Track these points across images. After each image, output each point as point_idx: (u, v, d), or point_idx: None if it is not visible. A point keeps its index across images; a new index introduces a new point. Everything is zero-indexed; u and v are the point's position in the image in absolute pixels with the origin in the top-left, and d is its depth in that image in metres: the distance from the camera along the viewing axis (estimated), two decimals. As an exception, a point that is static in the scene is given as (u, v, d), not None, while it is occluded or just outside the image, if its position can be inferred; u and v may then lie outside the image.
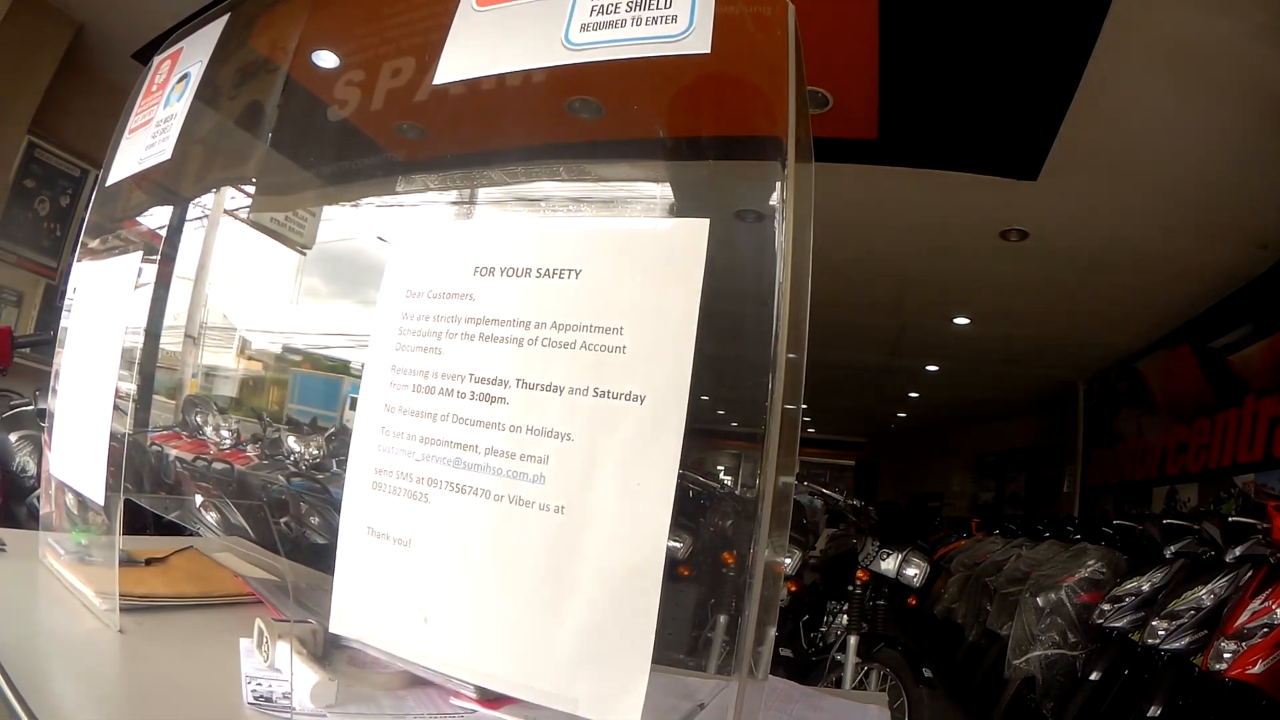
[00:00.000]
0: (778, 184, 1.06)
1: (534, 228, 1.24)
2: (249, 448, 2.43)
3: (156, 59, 2.22)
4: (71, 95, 6.39)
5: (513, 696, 1.17)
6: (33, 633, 1.51)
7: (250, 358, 2.39)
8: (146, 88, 2.18)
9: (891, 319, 10.17)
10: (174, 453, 2.30)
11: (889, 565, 5.21)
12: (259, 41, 2.16)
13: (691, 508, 4.89)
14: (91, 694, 1.33)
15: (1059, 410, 12.56)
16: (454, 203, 1.48)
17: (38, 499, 3.36)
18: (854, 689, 4.64)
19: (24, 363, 4.62)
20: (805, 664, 5.29)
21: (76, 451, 1.88)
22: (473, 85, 1.38)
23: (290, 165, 2.20)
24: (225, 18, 2.05)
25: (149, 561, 1.94)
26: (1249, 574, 4.60)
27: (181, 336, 2.22)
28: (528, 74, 1.32)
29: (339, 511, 1.29)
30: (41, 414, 4.06)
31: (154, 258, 1.92)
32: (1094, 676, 5.27)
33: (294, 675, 1.27)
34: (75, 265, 2.16)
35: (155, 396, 2.20)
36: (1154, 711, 4.56)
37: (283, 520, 2.54)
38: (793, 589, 5.57)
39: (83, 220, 2.30)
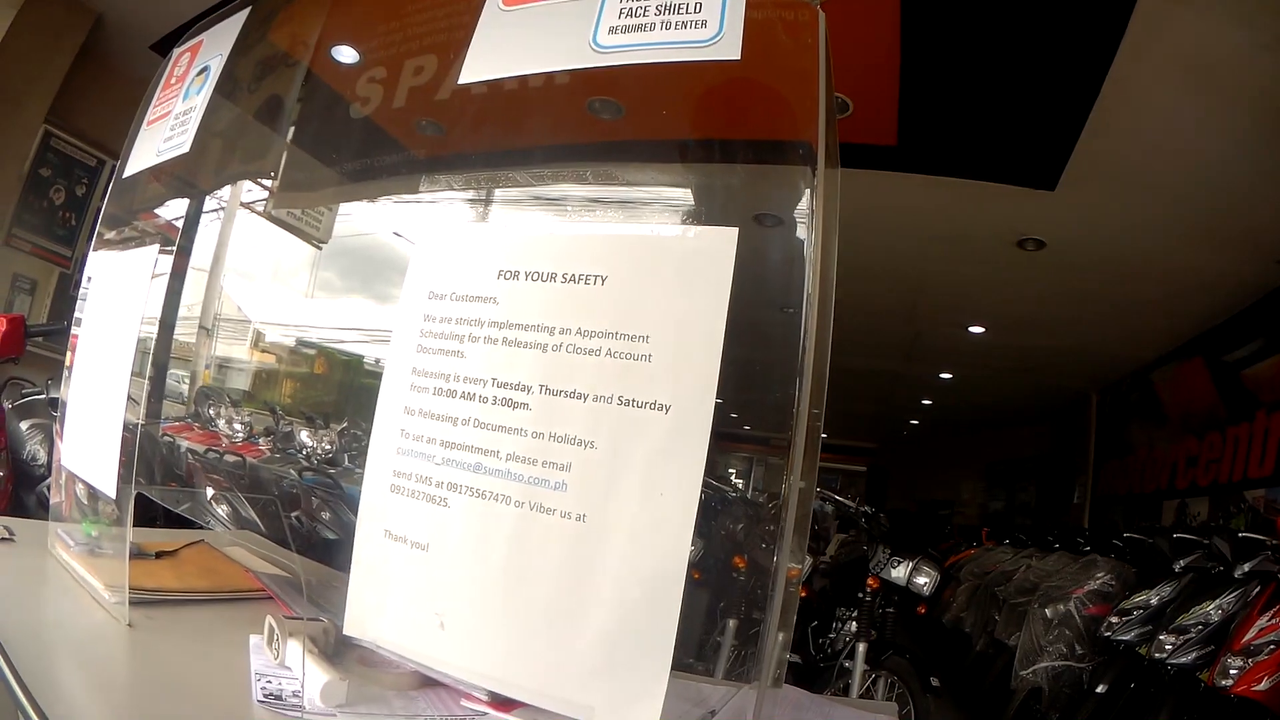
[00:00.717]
0: (805, 190, 1.05)
1: (559, 232, 1.23)
2: (261, 441, 2.43)
3: (176, 51, 2.22)
4: (88, 85, 6.39)
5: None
6: (41, 625, 1.51)
7: (264, 350, 2.39)
8: (165, 80, 2.17)
9: (906, 326, 10.13)
10: (186, 444, 2.29)
11: (899, 573, 5.19)
12: (279, 35, 2.15)
13: (703, 511, 4.85)
14: (99, 688, 1.32)
15: (1071, 420, 12.51)
16: (477, 204, 1.48)
17: (48, 488, 3.36)
18: (861, 696, 4.63)
19: (36, 351, 4.63)
20: (813, 670, 5.27)
21: (89, 443, 1.87)
22: (497, 85, 1.37)
23: (310, 161, 2.20)
24: (246, 11, 2.04)
25: (159, 554, 1.94)
26: (1257, 590, 4.58)
27: (196, 328, 2.22)
28: (553, 75, 1.32)
29: (351, 507, 1.29)
30: (53, 402, 4.07)
31: (170, 249, 1.91)
32: (1100, 689, 5.24)
33: (305, 673, 1.26)
34: (91, 255, 2.16)
35: (168, 385, 2.19)
36: (1161, 725, 4.56)
37: (294, 515, 2.54)
38: (802, 594, 5.55)
39: (98, 210, 2.30)
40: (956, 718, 6.65)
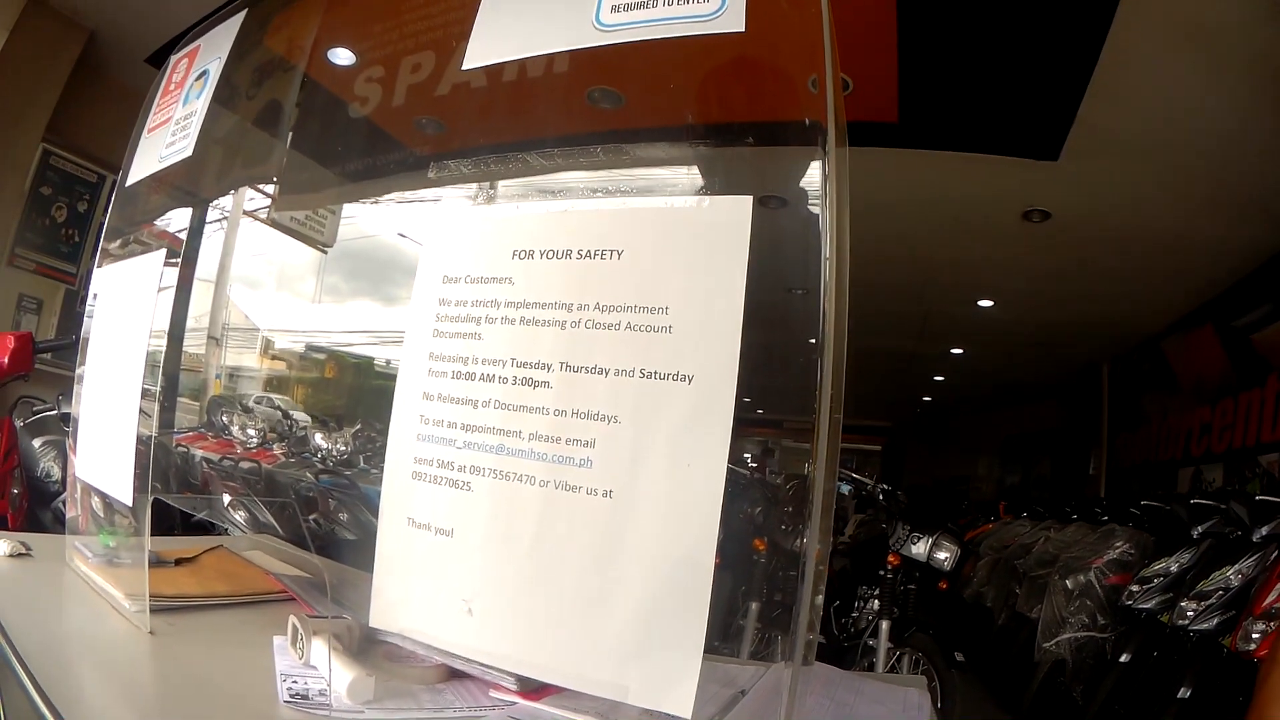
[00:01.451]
0: (815, 169, 1.04)
1: (572, 209, 1.22)
2: (275, 446, 2.43)
3: (174, 58, 2.22)
4: (85, 102, 6.40)
5: (554, 686, 1.16)
6: (62, 637, 1.51)
7: (274, 357, 2.39)
8: (164, 87, 2.17)
9: (915, 303, 10.10)
10: (200, 453, 2.29)
11: (919, 549, 5.20)
12: (276, 40, 2.15)
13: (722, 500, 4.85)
14: (123, 696, 1.31)
15: (1083, 392, 12.47)
16: (488, 187, 1.47)
17: (63, 504, 3.36)
18: (886, 674, 4.63)
19: (46, 368, 4.63)
20: (837, 650, 5.28)
21: (102, 453, 1.87)
22: (497, 78, 1.36)
23: (312, 164, 2.19)
24: (242, 14, 2.04)
25: (178, 562, 1.93)
26: (1276, 554, 4.56)
27: (205, 339, 2.22)
28: (553, 65, 1.32)
29: (368, 507, 1.28)
30: (65, 418, 4.07)
31: (175, 261, 1.90)
32: (1124, 659, 5.24)
33: (331, 671, 1.26)
34: (96, 271, 2.15)
35: (181, 397, 2.20)
36: (1184, 693, 4.53)
37: (312, 517, 2.54)
38: (825, 574, 5.54)
39: (102, 224, 2.29)
40: (981, 692, 6.65)
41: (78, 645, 1.48)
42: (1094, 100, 5.16)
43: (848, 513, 6.19)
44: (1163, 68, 4.92)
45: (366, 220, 2.17)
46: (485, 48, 1.36)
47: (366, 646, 1.35)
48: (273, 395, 2.41)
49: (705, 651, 0.98)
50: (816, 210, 1.03)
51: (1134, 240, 7.20)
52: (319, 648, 1.31)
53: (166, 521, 2.21)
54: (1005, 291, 9.44)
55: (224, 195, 2.14)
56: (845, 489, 6.21)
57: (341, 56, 2.11)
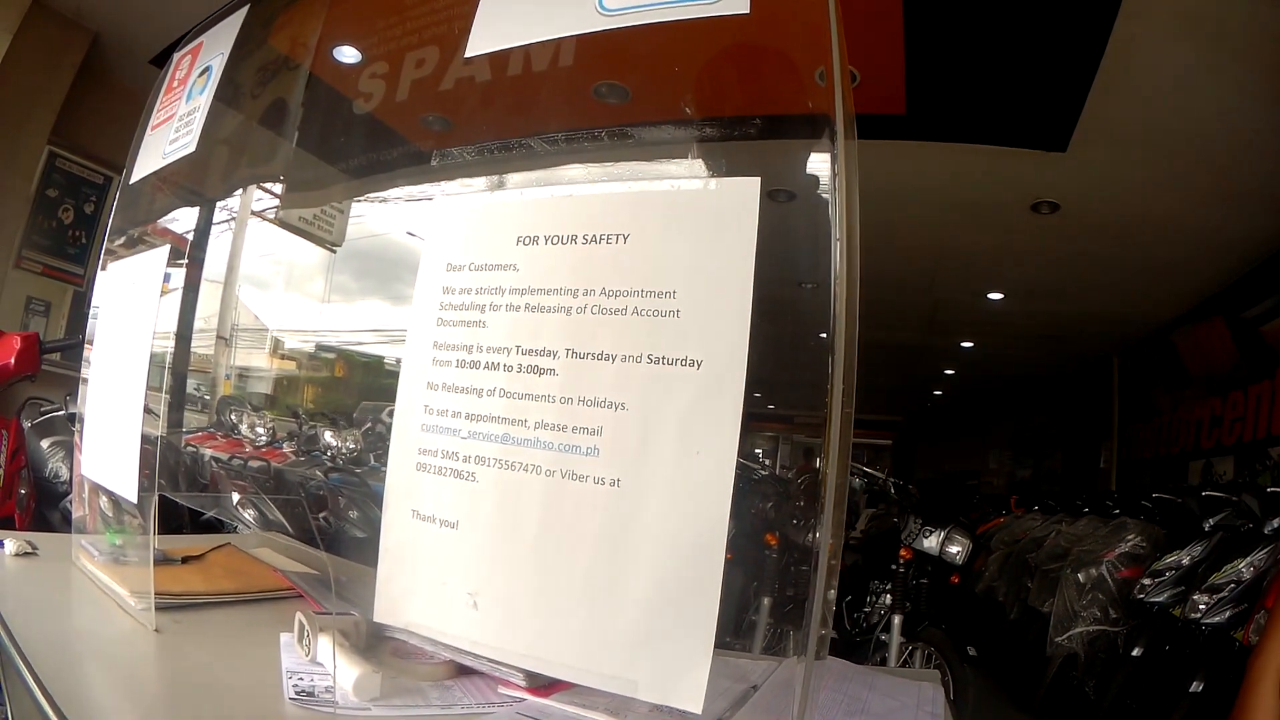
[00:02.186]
0: (823, 162, 1.03)
1: (577, 194, 1.21)
2: (285, 445, 2.43)
3: (176, 55, 2.21)
4: (90, 104, 6.40)
5: (563, 682, 1.15)
6: (67, 635, 1.50)
7: (283, 356, 2.38)
8: (167, 84, 2.17)
9: (925, 296, 10.08)
10: (210, 452, 2.29)
11: (932, 543, 5.19)
12: (280, 39, 2.15)
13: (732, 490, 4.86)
14: (127, 694, 1.30)
15: (1094, 385, 12.46)
16: (492, 173, 1.46)
17: (70, 504, 3.37)
18: (899, 668, 4.62)
19: (52, 369, 4.62)
20: (849, 644, 5.27)
21: (109, 451, 1.86)
22: (504, 68, 1.36)
23: (318, 163, 2.19)
24: (244, 10, 2.04)
25: (185, 559, 1.93)
26: (1287, 546, 4.56)
27: (214, 339, 2.21)
28: (558, 59, 1.31)
29: (378, 504, 1.27)
30: (73, 419, 4.07)
31: (181, 262, 1.90)
32: (1136, 653, 5.23)
33: (337, 669, 1.25)
34: (100, 274, 2.15)
35: (190, 396, 2.19)
36: (1196, 687, 4.52)
37: (321, 515, 2.53)
38: (835, 569, 5.55)
39: (108, 224, 2.28)
40: (994, 687, 6.64)
41: (83, 643, 1.47)
42: (1101, 91, 5.14)
43: (859, 507, 6.19)
44: (1170, 58, 4.90)
45: (375, 219, 2.17)
46: (488, 35, 1.35)
47: (373, 643, 1.34)
48: (283, 395, 2.41)
49: (716, 647, 0.97)
50: (826, 204, 1.02)
51: (1143, 232, 7.18)
52: (325, 645, 1.30)
53: (175, 520, 2.21)
54: (1015, 283, 9.42)
55: (230, 195, 2.13)
56: (857, 483, 6.21)
57: (346, 54, 2.11)
